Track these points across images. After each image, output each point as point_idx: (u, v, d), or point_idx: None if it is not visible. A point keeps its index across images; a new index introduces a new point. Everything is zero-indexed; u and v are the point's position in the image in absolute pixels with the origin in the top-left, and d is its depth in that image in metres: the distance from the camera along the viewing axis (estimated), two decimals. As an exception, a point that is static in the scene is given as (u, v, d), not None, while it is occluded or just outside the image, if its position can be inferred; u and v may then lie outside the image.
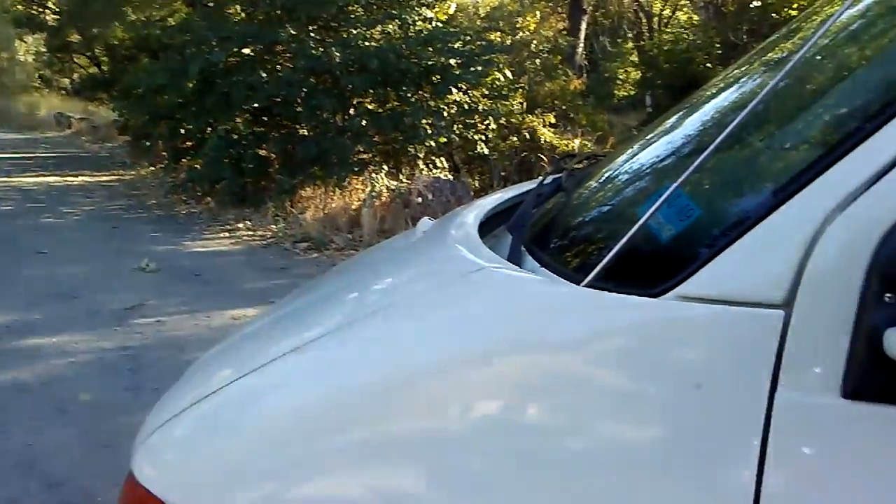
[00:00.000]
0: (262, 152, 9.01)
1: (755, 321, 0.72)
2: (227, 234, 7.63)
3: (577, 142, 10.40)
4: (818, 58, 1.01)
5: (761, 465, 0.71)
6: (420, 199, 7.32)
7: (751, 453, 0.71)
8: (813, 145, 0.81)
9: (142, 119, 10.07)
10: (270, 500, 0.87)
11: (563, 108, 11.82)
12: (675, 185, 0.81)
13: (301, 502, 0.87)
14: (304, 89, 8.41)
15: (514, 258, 1.06)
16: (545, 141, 10.19)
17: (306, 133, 8.75)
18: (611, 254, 0.83)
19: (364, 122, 8.47)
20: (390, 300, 1.03)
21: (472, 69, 8.65)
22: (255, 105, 8.70)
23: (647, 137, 1.27)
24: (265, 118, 9.15)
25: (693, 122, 1.15)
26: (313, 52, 8.44)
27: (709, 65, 12.55)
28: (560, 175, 1.48)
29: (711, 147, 0.80)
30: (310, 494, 0.86)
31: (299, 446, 0.87)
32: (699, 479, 0.74)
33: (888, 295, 0.67)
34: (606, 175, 1.19)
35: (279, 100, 8.59)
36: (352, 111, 8.78)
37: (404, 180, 8.36)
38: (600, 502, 0.76)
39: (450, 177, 8.72)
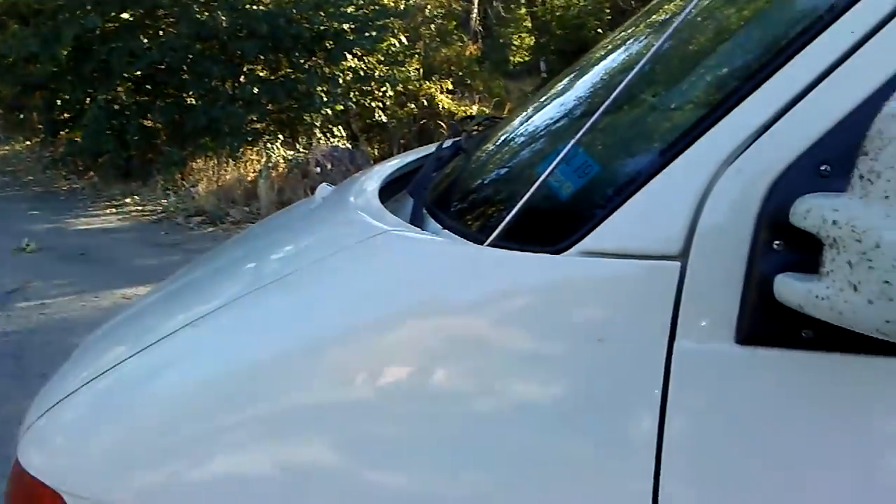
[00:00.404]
0: (148, 123, 8.59)
1: (653, 273, 0.74)
2: (113, 211, 7.26)
3: (474, 108, 10.46)
4: (701, 18, 1.03)
5: (662, 414, 0.73)
6: (319, 169, 7.18)
7: (652, 403, 0.73)
8: (700, 103, 0.83)
9: (13, 90, 9.38)
10: (171, 483, 0.83)
11: (460, 74, 11.84)
12: (572, 142, 0.82)
13: (204, 483, 0.83)
14: (190, 56, 8.04)
15: (417, 221, 1.04)
16: (443, 108, 10.19)
17: (194, 102, 8.38)
18: (512, 212, 0.82)
19: (256, 90, 8.21)
20: (290, 268, 0.99)
21: (367, 34, 8.52)
22: (138, 73, 8.26)
23: (542, 99, 1.27)
24: (149, 87, 8.70)
25: (586, 83, 1.16)
26: (198, 16, 8.08)
27: (600, 30, 12.85)
28: (459, 138, 1.47)
29: (607, 103, 0.81)
30: (213, 474, 0.83)
31: (200, 423, 0.83)
32: (605, 430, 0.75)
33: (776, 242, 0.70)
34: (505, 136, 1.18)
35: (163, 67, 8.18)
36: (242, 78, 8.48)
37: (301, 150, 8.18)
38: (512, 461, 0.77)
39: (348, 146, 8.60)
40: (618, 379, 0.75)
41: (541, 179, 0.81)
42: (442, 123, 9.76)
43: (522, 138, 1.10)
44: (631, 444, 0.74)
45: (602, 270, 0.76)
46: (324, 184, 1.45)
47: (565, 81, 1.27)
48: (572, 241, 0.79)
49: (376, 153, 9.14)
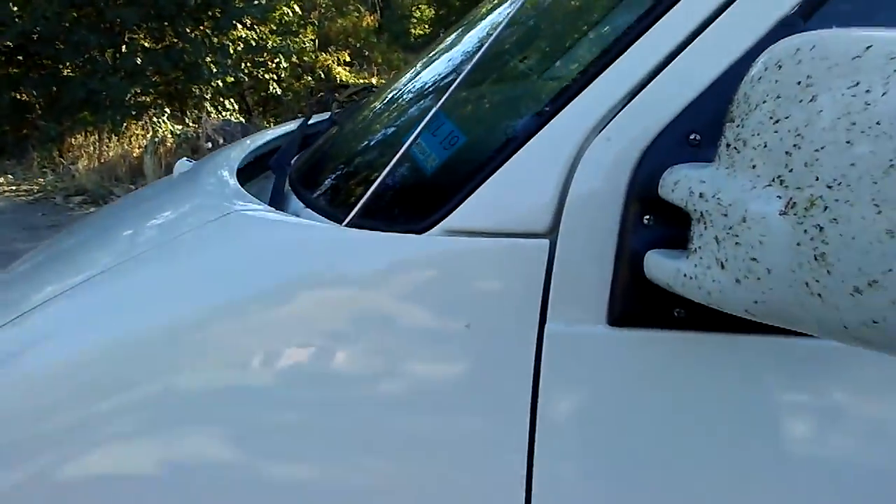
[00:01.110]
0: (21, 96, 7.97)
1: (521, 252, 0.69)
2: (-17, 191, 6.73)
3: (373, 80, 10.27)
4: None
5: (535, 400, 0.68)
6: (210, 144, 6.87)
7: (523, 391, 0.68)
8: (567, 69, 0.78)
9: None
10: (39, 482, 0.71)
11: (358, 45, 11.59)
12: (434, 109, 0.75)
13: (76, 482, 0.71)
14: (66, 24, 7.50)
15: (277, 200, 0.95)
16: (341, 80, 9.95)
17: (71, 74, 7.84)
18: (371, 189, 0.75)
19: (139, 61, 7.74)
20: (140, 248, 0.88)
21: (256, 2, 8.17)
22: (8, 44, 7.64)
23: (416, 68, 1.20)
24: (20, 58, 8.07)
25: (458, 50, 1.09)
26: (71, -20, 7.53)
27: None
28: (332, 112, 1.38)
29: (468, 69, 0.74)
30: (87, 471, 0.71)
31: (71, 412, 0.71)
32: (476, 420, 0.70)
33: (647, 217, 0.66)
34: (376, 108, 1.10)
35: (35, 37, 7.60)
36: (124, 48, 7.98)
37: (191, 124, 7.80)
38: (372, 448, 0.70)
39: (241, 119, 8.27)
40: (486, 368, 0.69)
41: (402, 152, 0.74)
42: (339, 96, 9.55)
43: (393, 109, 1.02)
44: (503, 432, 0.69)
45: (467, 251, 0.70)
46: (183, 159, 1.33)
47: (439, 48, 1.20)
48: (436, 220, 0.72)
49: (272, 127, 8.85)
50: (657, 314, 0.66)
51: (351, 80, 10.01)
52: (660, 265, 0.62)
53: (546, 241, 0.68)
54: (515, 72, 0.85)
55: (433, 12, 17.02)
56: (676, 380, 0.67)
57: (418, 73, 1.13)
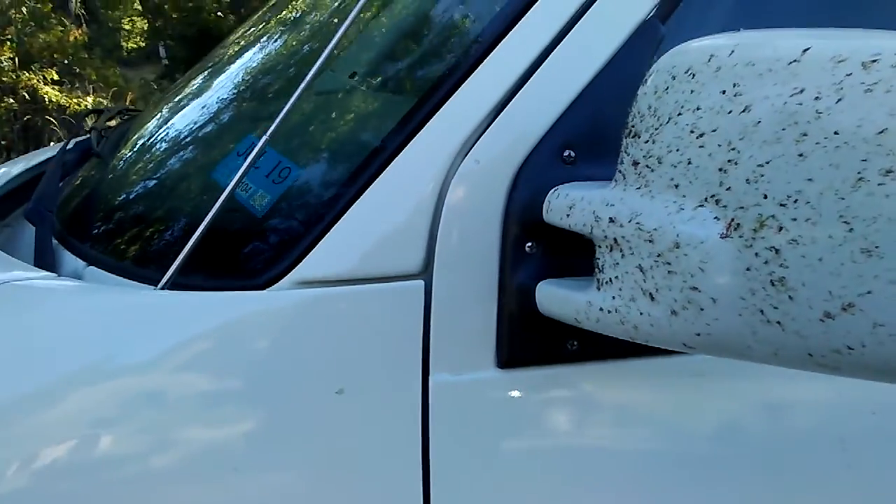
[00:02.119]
0: None
1: (393, 298, 0.59)
2: None
3: (89, 99, 9.30)
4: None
5: (426, 460, 0.59)
6: None
7: (413, 451, 0.59)
8: (419, 82, 0.69)
9: None
10: None
11: (66, 62, 10.44)
12: (263, 139, 0.62)
13: None
14: None
15: (44, 259, 0.75)
16: (50, 100, 8.87)
17: None
18: (192, 240, 0.60)
19: None
20: None
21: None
22: None
23: (192, 90, 1.03)
24: None
25: (253, 68, 0.94)
26: None
27: (220, 13, 12.30)
28: (87, 138, 1.16)
29: (300, 89, 0.63)
30: None
31: None
32: (369, 487, 0.58)
33: (529, 245, 0.59)
34: (155, 135, 0.92)
35: None
36: None
37: None
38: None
39: (-72, 152, 7.03)
40: (369, 436, 0.58)
41: (227, 192, 0.60)
42: (52, 119, 8.51)
43: (184, 137, 0.85)
44: (396, 498, 0.59)
45: (326, 304, 0.59)
46: None
47: (218, 67, 1.04)
48: (281, 270, 0.60)
49: (-28, 159, 7.64)
50: (550, 350, 0.60)
51: (63, 101, 8.97)
52: (560, 298, 0.55)
53: (420, 282, 0.59)
54: (353, 90, 0.74)
55: (147, 24, 15.86)
56: (578, 415, 0.62)
57: (200, 94, 0.97)
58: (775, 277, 0.41)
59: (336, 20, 0.86)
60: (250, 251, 0.64)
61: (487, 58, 0.62)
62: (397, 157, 0.60)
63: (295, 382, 0.58)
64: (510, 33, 0.62)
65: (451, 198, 0.59)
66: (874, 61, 0.38)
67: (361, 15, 0.71)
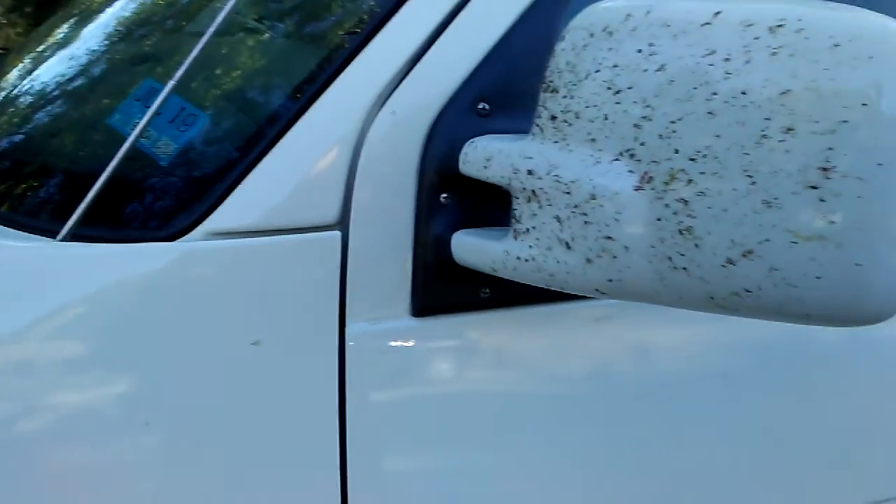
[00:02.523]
0: None
1: (309, 249, 0.59)
2: None
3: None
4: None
5: (342, 409, 0.60)
6: None
7: (330, 399, 0.59)
8: (333, 31, 0.68)
9: None
10: None
11: None
12: (169, 85, 0.59)
13: None
14: None
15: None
16: None
17: None
18: (94, 190, 0.57)
19: None
20: None
21: None
22: None
23: (77, 23, 0.96)
24: None
25: (148, 1, 0.89)
26: None
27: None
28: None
29: (208, 32, 0.60)
30: None
31: None
32: (286, 436, 0.59)
33: (444, 196, 0.61)
34: (38, 76, 0.85)
35: None
36: None
37: None
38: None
39: None
40: (284, 386, 0.58)
41: (131, 139, 0.57)
42: None
43: (71, 80, 0.79)
44: (313, 447, 0.60)
45: (241, 255, 0.58)
46: None
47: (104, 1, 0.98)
48: (191, 221, 0.58)
49: None
50: (464, 298, 0.62)
51: None
52: (477, 248, 0.57)
53: (336, 233, 0.59)
54: (263, 32, 0.72)
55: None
56: (490, 360, 0.64)
57: (88, 25, 0.90)
58: (683, 227, 0.44)
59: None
60: (157, 201, 0.61)
61: (402, 8, 0.61)
62: (312, 106, 0.59)
63: (209, 334, 0.57)
64: None
65: (367, 149, 0.59)
66: (780, 26, 0.41)
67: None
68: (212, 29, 0.59)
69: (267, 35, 0.72)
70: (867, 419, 0.79)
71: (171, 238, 0.58)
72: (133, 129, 0.58)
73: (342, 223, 0.59)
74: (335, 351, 0.59)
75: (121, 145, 0.57)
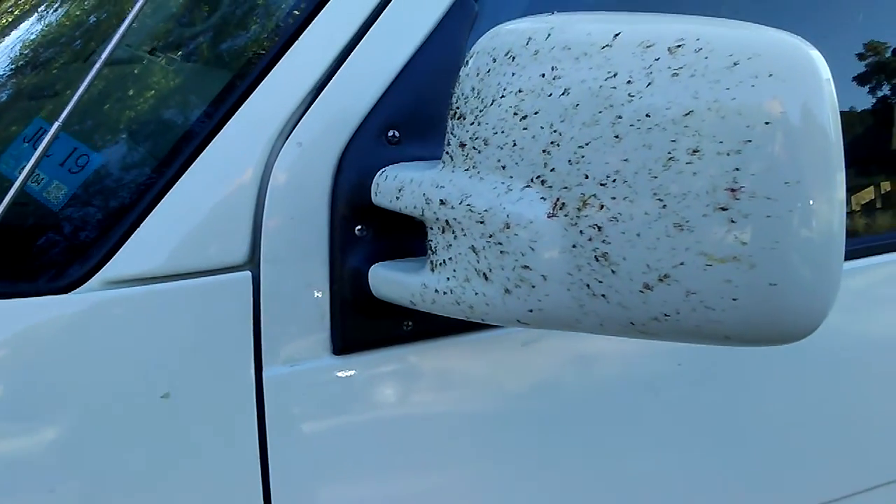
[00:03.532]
0: None
1: (218, 292, 0.56)
2: None
3: None
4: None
5: (264, 458, 0.57)
6: None
7: (249, 450, 0.56)
8: (234, 59, 0.65)
9: None
10: None
11: None
12: (56, 125, 0.55)
13: None
14: None
15: None
16: None
17: None
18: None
19: None
20: None
21: None
22: None
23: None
24: None
25: (35, 36, 0.84)
26: None
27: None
28: None
29: (97, 66, 0.56)
30: None
31: None
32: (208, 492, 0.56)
33: (358, 227, 0.58)
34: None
35: None
36: None
37: None
38: None
39: None
40: (199, 439, 0.55)
41: (18, 184, 0.53)
42: None
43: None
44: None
45: (142, 303, 0.54)
46: None
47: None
48: (87, 270, 0.54)
49: None
50: (386, 332, 0.60)
51: None
52: (394, 281, 0.55)
53: (246, 273, 0.56)
54: (160, 63, 0.68)
55: None
56: (417, 393, 0.62)
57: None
58: (599, 253, 0.43)
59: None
60: (48, 250, 0.57)
61: (304, 34, 0.59)
62: (213, 141, 0.56)
63: (113, 391, 0.53)
64: (324, 9, 0.59)
65: (274, 183, 0.57)
66: (679, 46, 0.41)
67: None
68: (100, 62, 0.56)
69: (163, 67, 0.69)
70: (805, 418, 0.79)
71: (66, 290, 0.54)
72: (21, 173, 0.54)
73: (252, 262, 0.57)
74: (252, 398, 0.56)
75: (7, 190, 0.53)
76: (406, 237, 0.59)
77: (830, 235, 0.40)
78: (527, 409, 0.66)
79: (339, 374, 0.59)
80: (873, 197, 0.93)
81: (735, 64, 0.39)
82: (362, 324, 0.59)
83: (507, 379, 0.66)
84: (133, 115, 0.66)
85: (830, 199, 0.39)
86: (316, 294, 0.58)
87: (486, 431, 0.65)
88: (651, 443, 0.71)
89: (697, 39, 0.40)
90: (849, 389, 0.82)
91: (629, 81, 0.42)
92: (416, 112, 0.60)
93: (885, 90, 0.96)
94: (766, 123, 0.38)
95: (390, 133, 0.59)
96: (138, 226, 0.55)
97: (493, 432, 0.65)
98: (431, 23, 0.61)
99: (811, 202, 0.39)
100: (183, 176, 0.56)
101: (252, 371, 0.56)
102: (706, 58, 0.40)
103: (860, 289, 0.82)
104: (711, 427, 0.74)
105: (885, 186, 0.94)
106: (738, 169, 0.39)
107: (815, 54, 0.39)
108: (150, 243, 0.55)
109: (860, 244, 0.82)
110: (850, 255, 0.81)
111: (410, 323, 0.60)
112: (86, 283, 0.54)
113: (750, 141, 0.38)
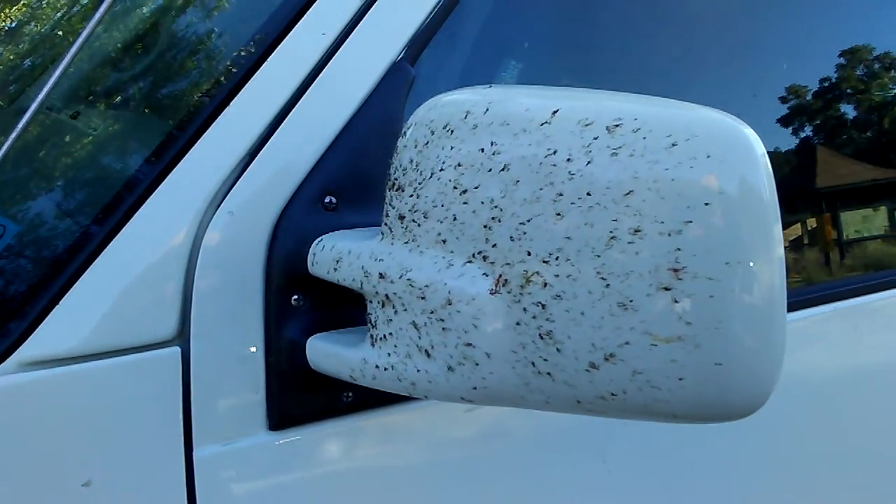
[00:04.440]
0: None
1: (144, 369, 0.53)
2: None
3: None
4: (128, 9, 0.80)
5: None
6: None
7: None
8: (157, 127, 0.62)
9: None
10: None
11: None
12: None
13: None
14: None
15: None
16: None
17: None
18: None
19: None
20: None
21: None
22: None
23: None
24: None
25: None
26: None
27: None
28: None
29: (13, 135, 0.53)
30: None
31: None
32: None
33: (295, 297, 0.56)
34: None
35: None
36: None
37: None
38: None
39: None
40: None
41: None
42: None
43: None
44: None
45: (62, 384, 0.51)
46: None
47: None
48: (3, 352, 0.51)
49: None
50: (326, 405, 0.58)
51: None
52: (333, 355, 0.53)
53: (175, 349, 0.53)
54: (79, 128, 0.65)
55: None
56: (359, 466, 0.60)
57: None
58: (543, 331, 0.42)
59: (54, 41, 0.75)
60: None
61: (236, 98, 0.57)
62: (139, 211, 0.54)
63: (30, 480, 0.49)
64: (257, 73, 0.58)
65: (204, 253, 0.54)
66: (617, 125, 0.40)
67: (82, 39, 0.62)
68: (15, 133, 0.53)
69: (85, 132, 0.66)
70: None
71: (-21, 373, 0.50)
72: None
73: (181, 336, 0.54)
74: (182, 481, 0.53)
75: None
76: (345, 307, 0.57)
77: (772, 296, 0.39)
78: (470, 476, 0.65)
79: (276, 450, 0.57)
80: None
81: (673, 145, 0.39)
82: (300, 397, 0.57)
83: (450, 447, 0.65)
84: (53, 183, 0.62)
85: (770, 258, 0.39)
86: (250, 368, 0.56)
87: (434, 492, 0.63)
88: (606, 485, 0.70)
89: (635, 119, 0.40)
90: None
91: (569, 159, 0.41)
92: (353, 177, 0.59)
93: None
94: (706, 205, 0.38)
95: (327, 199, 0.58)
96: (58, 302, 0.51)
97: (439, 488, 0.63)
98: (368, 87, 0.60)
99: (752, 265, 0.39)
100: (107, 248, 0.53)
101: (181, 452, 0.53)
102: (644, 138, 0.40)
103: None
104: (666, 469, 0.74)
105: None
106: (679, 249, 0.39)
107: (750, 132, 0.40)
108: (70, 321, 0.52)
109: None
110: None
111: (351, 394, 0.58)
112: (1, 365, 0.50)
113: (690, 221, 0.38)
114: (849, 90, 1.12)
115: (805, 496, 0.85)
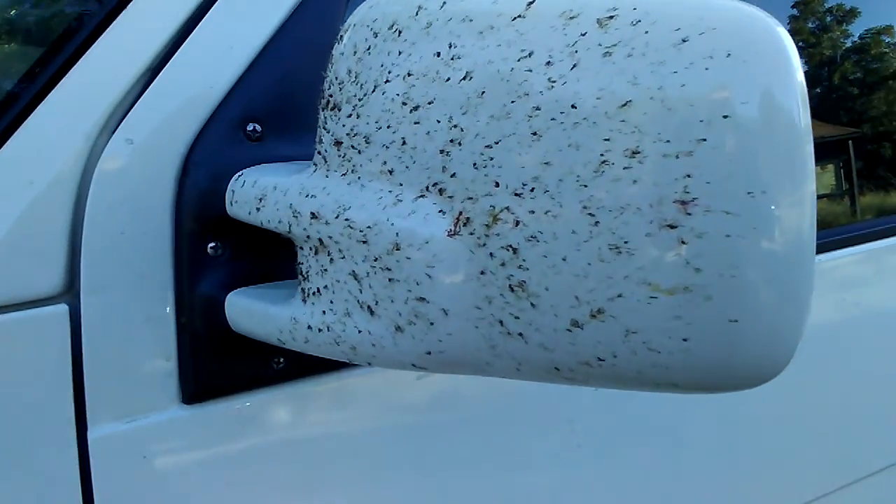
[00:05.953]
0: None
1: (21, 332, 0.43)
2: None
3: None
4: None
5: None
6: None
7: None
8: (40, 27, 0.51)
9: None
10: None
11: None
12: None
13: None
14: None
15: None
16: None
17: None
18: None
19: None
20: None
21: None
22: None
23: None
24: None
25: None
26: None
27: None
28: None
29: None
30: None
31: None
32: None
33: (212, 245, 0.47)
34: None
35: None
36: None
37: None
38: None
39: None
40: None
41: None
42: None
43: None
44: None
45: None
46: None
47: None
48: None
49: None
50: (251, 373, 0.49)
51: None
52: (257, 313, 0.44)
53: (62, 307, 0.44)
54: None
55: None
56: (291, 448, 0.51)
57: None
58: (514, 282, 0.34)
59: None
60: None
61: (129, 5, 0.47)
62: (11, 139, 0.43)
63: None
64: None
65: (96, 189, 0.44)
66: (611, 17, 0.32)
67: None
68: None
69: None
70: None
71: None
72: None
73: (70, 292, 0.44)
74: (74, 466, 0.44)
75: None
76: (272, 255, 0.48)
77: (800, 239, 0.31)
78: (412, 452, 0.57)
79: (191, 426, 0.47)
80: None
81: (683, 41, 0.30)
82: (220, 364, 0.48)
83: (395, 416, 0.56)
84: None
85: (801, 198, 0.31)
86: (157, 330, 0.46)
87: (380, 469, 0.55)
88: (572, 447, 0.63)
89: (634, 9, 0.31)
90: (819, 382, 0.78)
91: (548, 63, 0.32)
92: (282, 100, 0.49)
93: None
94: (725, 117, 0.30)
95: (250, 127, 0.48)
96: None
97: (387, 461, 0.55)
98: None
99: (776, 209, 0.30)
100: None
101: (73, 432, 0.44)
102: (646, 32, 0.31)
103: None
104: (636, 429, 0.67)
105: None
106: (689, 176, 0.30)
107: (781, 30, 0.31)
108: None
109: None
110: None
111: (282, 359, 0.49)
112: None
113: (704, 140, 0.30)
114: (800, 44, 1.05)
115: (812, 457, 0.79)
